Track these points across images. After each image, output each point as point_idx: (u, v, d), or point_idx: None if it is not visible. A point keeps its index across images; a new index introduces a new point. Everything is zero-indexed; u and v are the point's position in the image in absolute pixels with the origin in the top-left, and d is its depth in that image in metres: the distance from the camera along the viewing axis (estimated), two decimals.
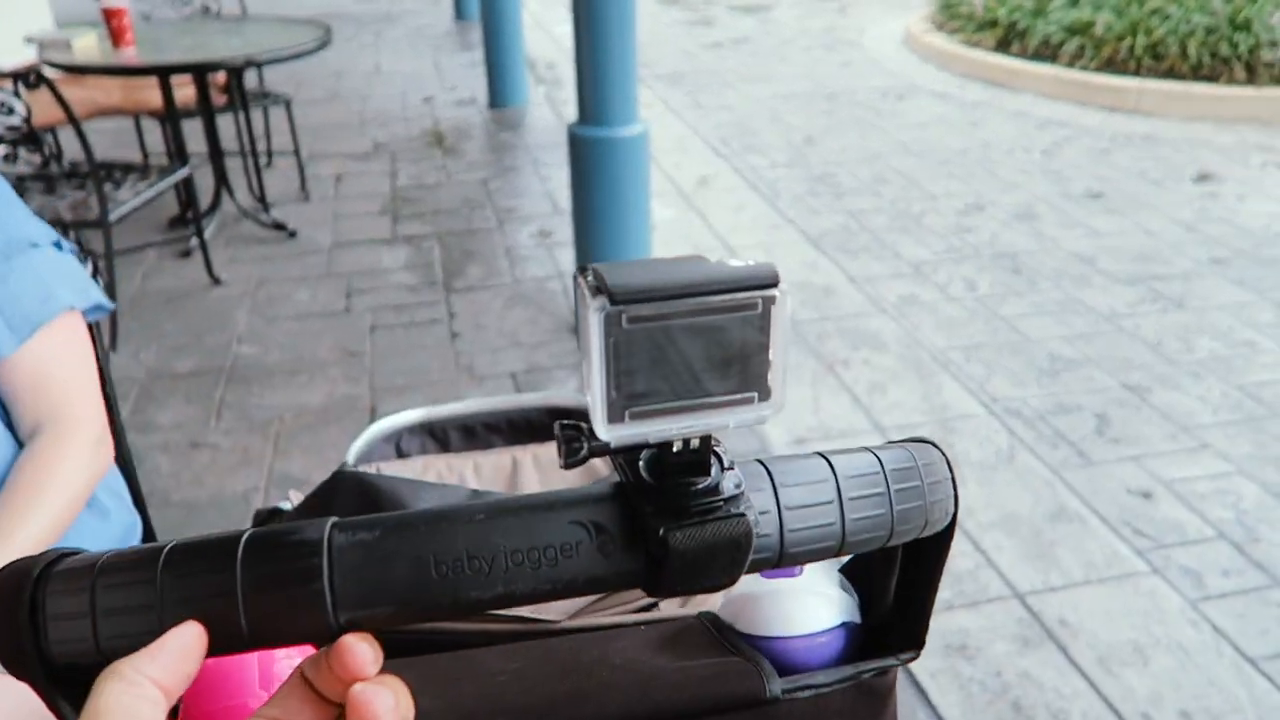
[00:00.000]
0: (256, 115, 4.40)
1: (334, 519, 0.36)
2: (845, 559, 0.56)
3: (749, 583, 0.54)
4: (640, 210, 2.77)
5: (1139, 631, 1.84)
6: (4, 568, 0.41)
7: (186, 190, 3.52)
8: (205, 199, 3.81)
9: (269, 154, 4.51)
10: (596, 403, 0.34)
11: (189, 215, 3.72)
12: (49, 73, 2.67)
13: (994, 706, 1.69)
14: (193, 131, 3.93)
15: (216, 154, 3.64)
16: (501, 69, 5.46)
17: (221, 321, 3.13)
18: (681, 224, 3.88)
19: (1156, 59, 5.45)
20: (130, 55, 3.22)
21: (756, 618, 0.52)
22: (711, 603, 0.61)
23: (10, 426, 1.12)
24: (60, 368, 1.12)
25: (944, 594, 1.94)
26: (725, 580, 0.37)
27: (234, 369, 2.85)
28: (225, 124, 3.96)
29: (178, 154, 3.50)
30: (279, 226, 3.79)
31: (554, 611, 0.60)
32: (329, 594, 0.34)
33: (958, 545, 2.06)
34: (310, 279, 3.44)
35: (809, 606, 0.52)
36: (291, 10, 8.02)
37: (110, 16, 3.19)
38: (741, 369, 0.35)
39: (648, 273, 0.33)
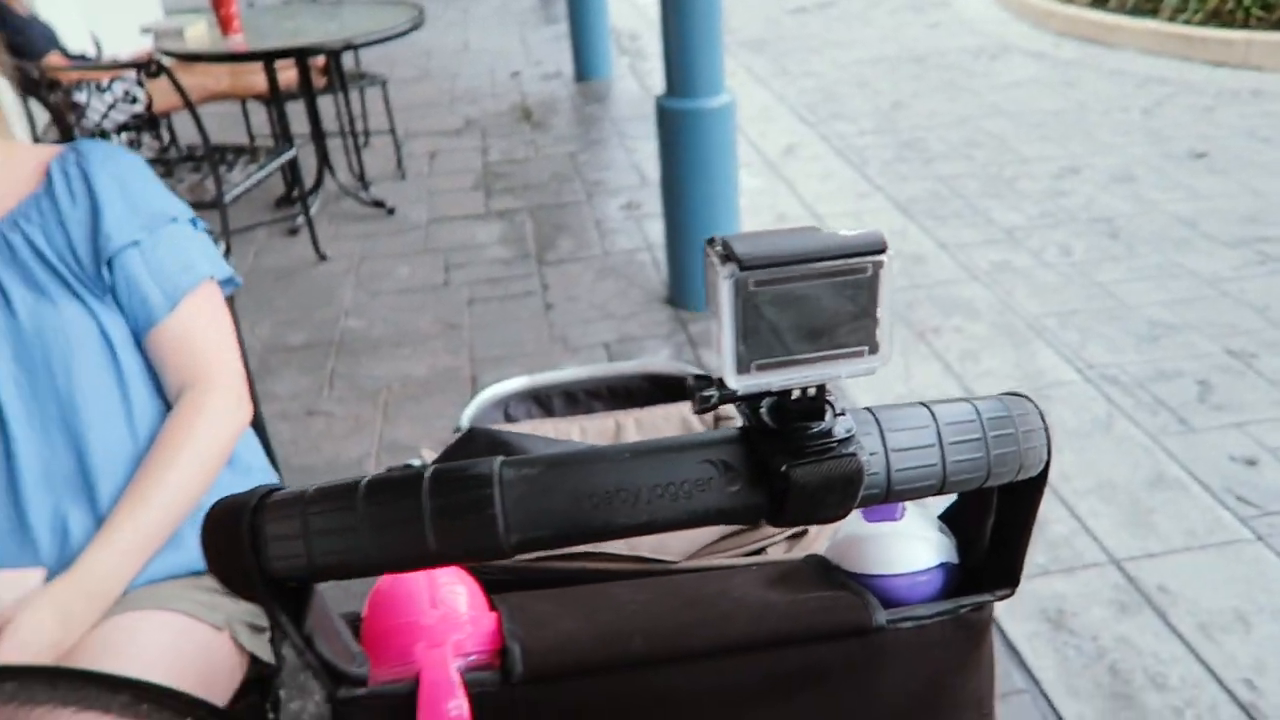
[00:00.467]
0: (354, 96, 4.55)
1: (502, 458, 0.42)
2: (944, 507, 0.60)
3: (853, 526, 0.59)
4: (728, 181, 2.80)
5: (1241, 599, 1.82)
6: (219, 502, 0.48)
7: (292, 170, 3.67)
8: (308, 179, 3.97)
9: (365, 134, 4.66)
10: (726, 356, 0.39)
11: (294, 194, 3.89)
12: (164, 61, 2.83)
13: (1090, 670, 1.71)
14: (295, 113, 4.08)
15: (319, 135, 3.78)
16: (587, 42, 5.51)
17: (328, 296, 3.28)
18: (768, 193, 3.89)
19: (1267, 9, 5.19)
20: (238, 42, 3.37)
21: (861, 557, 0.57)
22: (817, 548, 0.66)
23: (159, 392, 1.22)
24: (202, 333, 1.23)
25: (1039, 559, 1.94)
26: (839, 512, 0.42)
27: (342, 342, 3.00)
28: (324, 105, 4.11)
29: (283, 136, 3.65)
30: (378, 204, 3.93)
31: (673, 554, 0.65)
32: (501, 519, 0.40)
33: (1053, 512, 2.06)
34: (409, 254, 3.57)
35: (910, 547, 0.56)
36: None
37: (219, 5, 3.35)
38: (852, 326, 0.39)
39: (770, 242, 0.38)
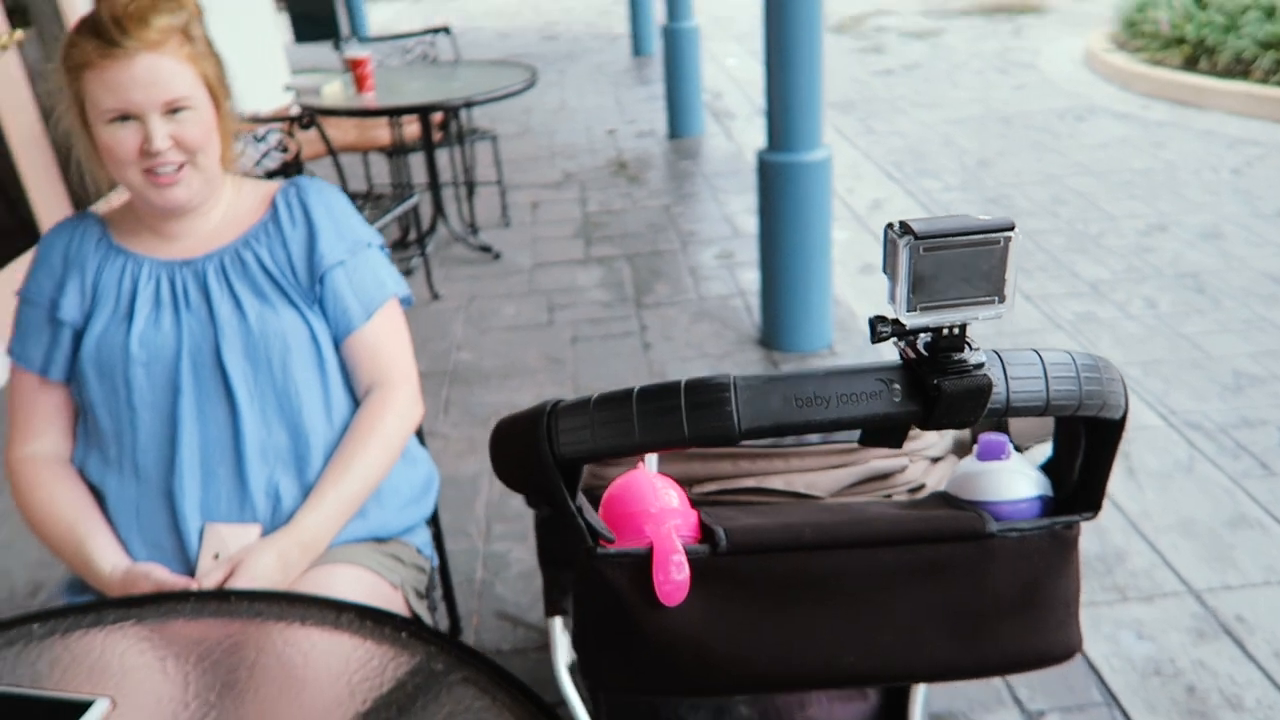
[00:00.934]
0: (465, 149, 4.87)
1: (734, 374, 0.60)
2: (1042, 461, 0.77)
3: (969, 465, 0.75)
4: (823, 231, 2.98)
5: None
6: (506, 419, 0.68)
7: (411, 216, 3.97)
8: (423, 224, 4.27)
9: (473, 184, 4.97)
10: (901, 301, 0.57)
11: (409, 238, 4.19)
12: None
13: (1167, 688, 1.80)
14: (411, 164, 4.41)
15: (434, 184, 4.09)
16: (680, 102, 5.80)
17: (442, 331, 3.54)
18: (856, 245, 4.05)
19: None
20: (370, 99, 3.70)
21: (976, 488, 0.74)
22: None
23: (349, 388, 1.44)
24: (388, 341, 1.45)
25: (1119, 582, 2.04)
26: (973, 418, 0.59)
27: (455, 372, 3.24)
28: (437, 157, 4.42)
29: (405, 184, 3.96)
30: (485, 249, 4.21)
31: (821, 492, 0.83)
32: (735, 413, 0.59)
33: (1134, 545, 2.16)
34: (515, 295, 3.82)
35: (1015, 480, 0.73)
36: (484, 53, 8.67)
37: (355, 65, 3.69)
38: (987, 282, 0.57)
39: (934, 223, 0.56)
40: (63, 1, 4.30)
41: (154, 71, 1.24)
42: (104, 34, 1.24)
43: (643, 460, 0.75)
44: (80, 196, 4.34)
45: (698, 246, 4.15)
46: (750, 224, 4.32)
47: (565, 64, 8.60)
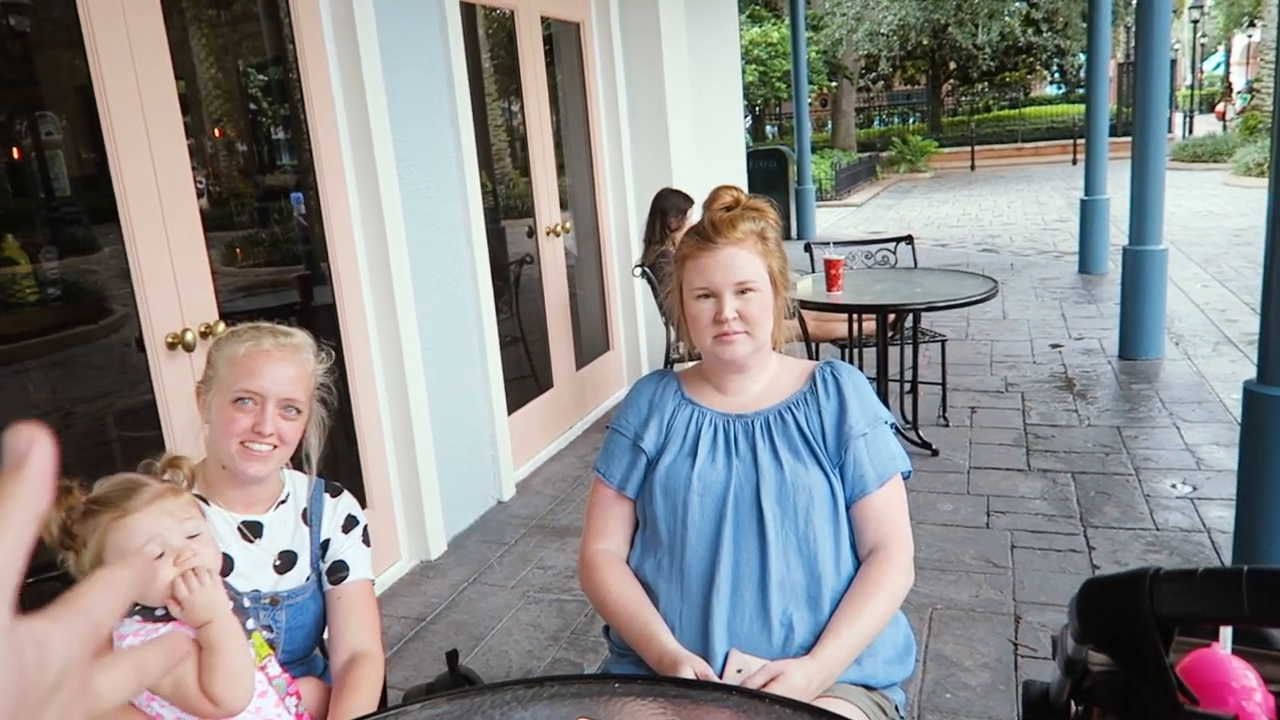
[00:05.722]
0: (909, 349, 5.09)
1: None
2: None
3: None
4: None
5: None
6: (1097, 578, 0.82)
7: None
8: None
9: (917, 382, 5.15)
10: None
11: None
12: None
13: None
14: (863, 357, 4.70)
15: (883, 378, 4.32)
16: (1136, 323, 5.59)
17: None
18: None
19: None
20: (839, 296, 4.08)
21: None
22: None
23: (852, 546, 1.63)
24: (894, 508, 1.64)
25: None
26: None
27: None
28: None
29: None
30: (925, 445, 4.32)
31: None
32: None
33: None
34: (952, 494, 3.87)
35: None
36: (922, 262, 8.99)
37: (831, 265, 4.10)
38: None
39: None
40: (599, 198, 5.30)
41: (733, 259, 1.60)
42: (704, 235, 1.63)
43: (1216, 640, 0.84)
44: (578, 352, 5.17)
45: (1154, 474, 3.92)
46: (1219, 458, 4.00)
47: (1005, 276, 8.64)
